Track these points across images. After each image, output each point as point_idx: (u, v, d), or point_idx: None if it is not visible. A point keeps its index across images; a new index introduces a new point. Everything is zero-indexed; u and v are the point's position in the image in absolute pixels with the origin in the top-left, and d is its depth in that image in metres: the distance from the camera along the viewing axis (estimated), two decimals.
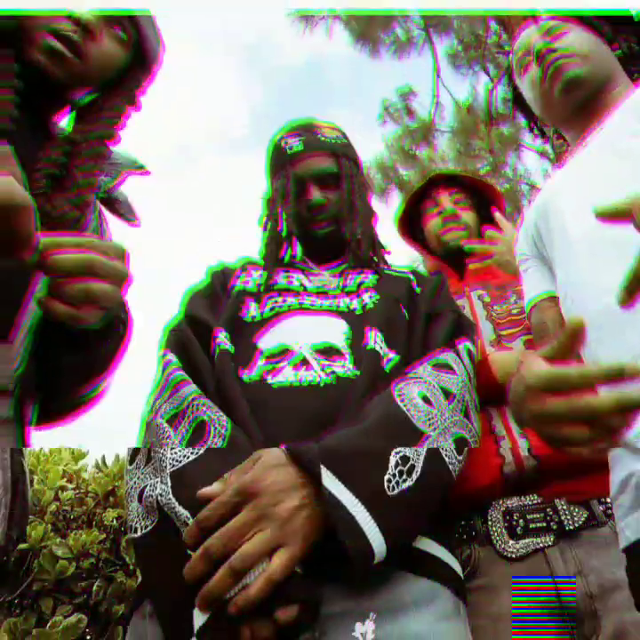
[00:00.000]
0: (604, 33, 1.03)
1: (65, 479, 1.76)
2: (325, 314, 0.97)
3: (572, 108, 1.00)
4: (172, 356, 0.88)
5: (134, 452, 0.81)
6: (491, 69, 7.01)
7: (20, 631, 1.33)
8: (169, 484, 0.69)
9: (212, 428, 0.75)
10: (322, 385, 0.82)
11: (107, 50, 0.88)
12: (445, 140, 7.60)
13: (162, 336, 0.95)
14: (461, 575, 0.79)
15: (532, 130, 1.25)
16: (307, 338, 0.89)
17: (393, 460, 0.69)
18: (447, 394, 0.81)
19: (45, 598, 1.42)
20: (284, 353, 0.88)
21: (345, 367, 0.85)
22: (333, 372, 0.84)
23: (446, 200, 1.45)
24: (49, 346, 0.75)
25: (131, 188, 1.00)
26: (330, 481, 0.65)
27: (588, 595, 0.84)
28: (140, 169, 0.98)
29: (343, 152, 1.13)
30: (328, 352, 0.88)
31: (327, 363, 0.86)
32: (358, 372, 0.84)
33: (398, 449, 0.71)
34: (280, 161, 1.12)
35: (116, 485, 1.71)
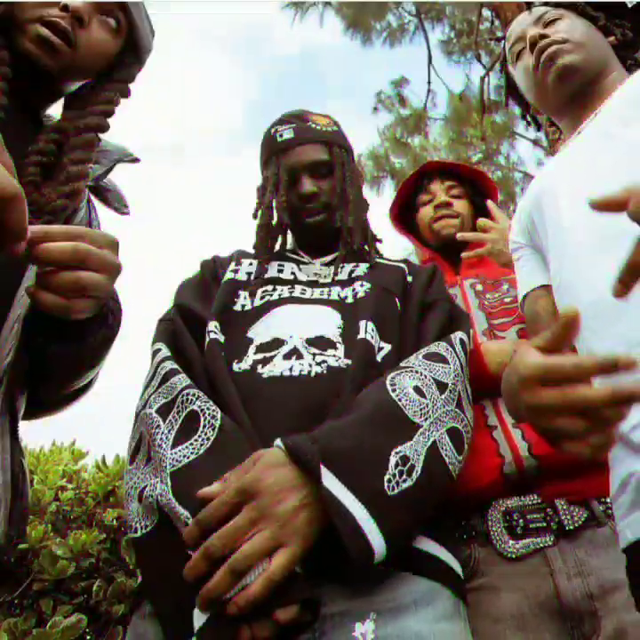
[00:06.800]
0: (597, 20, 1.03)
1: (65, 479, 1.76)
2: (317, 304, 0.96)
3: (566, 97, 0.99)
4: (162, 346, 0.88)
5: (134, 452, 0.81)
6: (483, 57, 6.99)
7: (19, 631, 1.33)
8: (169, 483, 0.69)
9: (203, 419, 0.75)
10: (313, 375, 0.82)
11: (97, 37, 0.87)
12: (438, 127, 7.61)
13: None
14: (461, 575, 0.79)
15: (524, 118, 1.25)
16: (298, 328, 0.89)
17: (393, 460, 0.69)
18: (440, 385, 0.81)
19: (45, 598, 1.41)
20: (275, 343, 0.87)
21: (337, 357, 0.85)
22: (325, 363, 0.84)
23: (439, 190, 1.45)
24: (39, 336, 0.75)
25: (122, 178, 1.00)
26: (330, 481, 0.65)
27: (588, 595, 0.84)
28: (129, 157, 0.98)
29: (335, 141, 1.12)
30: (320, 343, 0.87)
31: (319, 353, 0.85)
32: (350, 363, 0.84)
33: (398, 449, 0.70)
34: (271, 150, 1.12)
35: (115, 485, 1.71)
